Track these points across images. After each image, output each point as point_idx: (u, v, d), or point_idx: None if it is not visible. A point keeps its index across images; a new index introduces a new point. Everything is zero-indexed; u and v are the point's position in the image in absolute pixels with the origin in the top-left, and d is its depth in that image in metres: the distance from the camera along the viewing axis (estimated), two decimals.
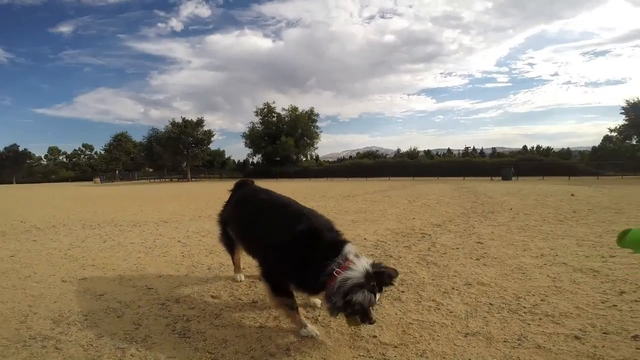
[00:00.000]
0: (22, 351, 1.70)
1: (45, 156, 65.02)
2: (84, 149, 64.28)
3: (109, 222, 6.42)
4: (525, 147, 48.83)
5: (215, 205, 10.52)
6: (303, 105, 70.68)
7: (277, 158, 42.62)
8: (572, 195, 9.98)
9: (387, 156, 53.04)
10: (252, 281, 2.83)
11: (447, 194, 11.84)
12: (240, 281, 2.79)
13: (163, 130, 41.93)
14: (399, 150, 55.40)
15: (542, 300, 2.22)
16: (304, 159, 45.87)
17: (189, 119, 41.71)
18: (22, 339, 1.83)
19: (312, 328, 1.89)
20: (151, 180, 40.46)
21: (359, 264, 1.68)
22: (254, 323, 2.04)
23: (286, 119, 43.92)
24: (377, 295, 1.67)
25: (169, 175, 42.78)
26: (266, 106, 44.58)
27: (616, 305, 2.08)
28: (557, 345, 1.66)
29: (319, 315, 2.18)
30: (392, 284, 1.84)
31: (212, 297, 2.47)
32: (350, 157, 56.78)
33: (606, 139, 33.88)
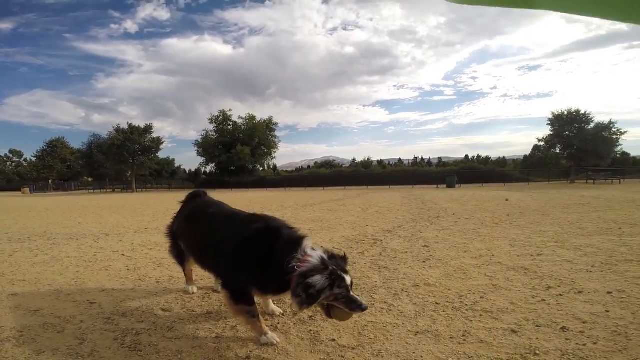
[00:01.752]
0: None
1: None
2: (11, 156, 57.19)
3: (40, 234, 5.83)
4: (467, 156, 53.00)
5: (163, 217, 9.93)
6: (262, 114, 69.93)
7: (232, 167, 41.29)
8: (507, 200, 10.99)
9: (344, 166, 54.46)
10: (206, 292, 2.73)
11: (397, 201, 12.40)
12: (193, 293, 2.68)
13: (106, 137, 38.43)
14: (354, 160, 57.11)
15: (481, 297, 2.42)
16: (261, 169, 45.13)
17: (136, 125, 38.44)
18: None
19: (272, 335, 1.88)
20: (90, 191, 36.95)
21: (315, 255, 1.72)
22: (210, 334, 1.98)
23: (243, 127, 42.74)
24: (347, 278, 1.69)
25: (111, 185, 39.44)
26: (222, 114, 43.06)
27: (545, 300, 2.33)
28: (497, 340, 1.81)
29: (278, 323, 2.17)
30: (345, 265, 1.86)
31: (163, 309, 2.36)
32: (309, 166, 57.36)
33: (535, 148, 37.70)
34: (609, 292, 2.41)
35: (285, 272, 1.68)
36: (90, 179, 45.07)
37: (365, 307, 1.67)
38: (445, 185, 26.26)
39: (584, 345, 1.69)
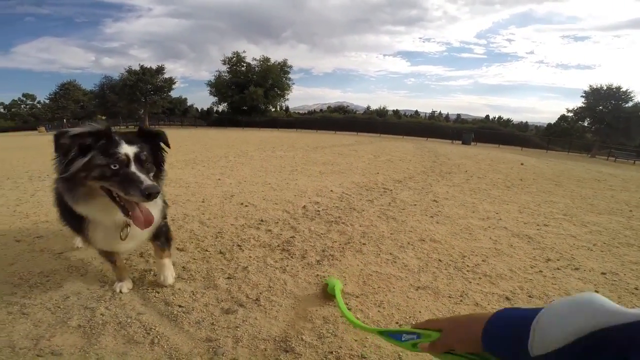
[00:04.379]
0: None
1: None
2: (24, 99, 57.64)
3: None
4: (487, 116, 51.00)
5: (175, 153, 10.05)
6: (276, 57, 67.81)
7: (244, 107, 41.65)
8: (522, 164, 10.80)
9: (357, 112, 53.00)
10: (219, 232, 2.86)
11: (410, 152, 12.28)
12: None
13: (118, 78, 39.29)
14: (368, 107, 55.44)
15: (483, 260, 2.50)
16: (273, 110, 44.93)
17: (148, 67, 39.06)
18: None
19: (122, 284, 1.85)
20: None
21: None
22: (222, 274, 2.09)
23: (256, 69, 42.47)
24: (126, 146, 1.29)
25: (124, 122, 40.02)
26: (235, 55, 42.75)
27: (542, 271, 2.40)
28: (491, 304, 1.91)
29: (287, 266, 2.29)
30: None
31: (178, 249, 2.45)
32: (321, 110, 56.03)
33: (562, 118, 36.29)
34: (603, 273, 2.46)
35: None
36: (103, 117, 45.55)
37: (147, 191, 1.20)
38: (460, 142, 25.74)
39: None
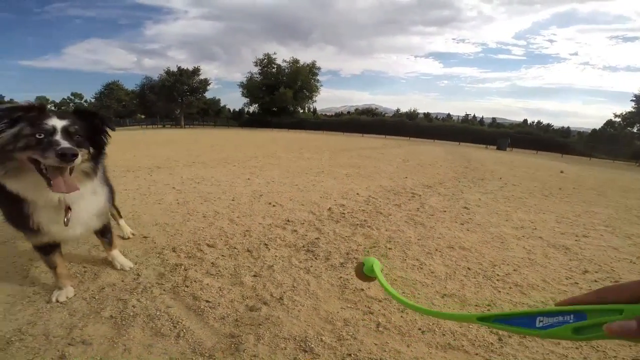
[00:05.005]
0: (28, 307, 1.69)
1: None
2: (73, 98, 62.55)
3: None
4: (525, 120, 48.65)
5: (210, 151, 10.44)
6: (305, 59, 69.27)
7: (274, 108, 42.75)
8: (562, 172, 10.19)
9: (386, 115, 52.37)
10: (247, 230, 2.93)
11: (440, 157, 11.95)
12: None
13: (157, 79, 41.84)
14: (398, 110, 54.65)
15: (514, 270, 2.39)
16: (302, 111, 45.58)
17: (185, 68, 41.32)
18: (27, 294, 1.80)
19: (61, 293, 1.78)
20: (143, 126, 39.42)
21: None
22: (249, 272, 2.14)
23: (286, 70, 43.48)
24: (53, 119, 1.30)
25: (161, 121, 42.17)
26: (266, 57, 44.02)
27: (578, 283, 2.26)
28: None
29: (311, 267, 2.32)
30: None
31: (208, 245, 2.54)
32: (349, 112, 55.91)
33: (608, 123, 33.95)
34: None
35: None
36: (142, 117, 48.25)
37: (61, 151, 1.20)
38: (495, 147, 24.70)
39: None
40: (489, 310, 1.86)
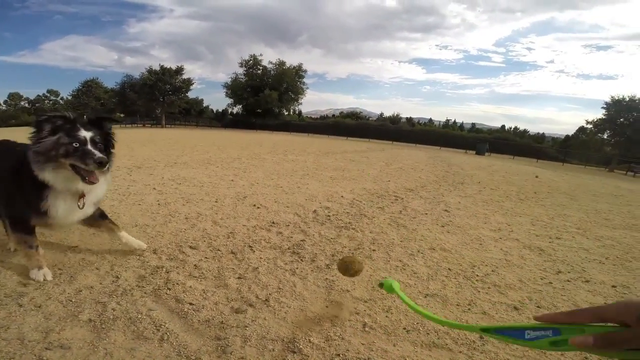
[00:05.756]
0: (0, 311, 1.61)
1: (5, 102, 60.94)
2: (48, 95, 60.39)
3: None
4: (503, 126, 50.30)
5: (191, 152, 10.25)
6: (291, 61, 69.47)
7: (258, 110, 42.36)
8: (536, 177, 10.60)
9: (370, 119, 53.01)
10: (231, 232, 2.91)
11: (422, 161, 12.21)
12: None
13: (138, 77, 40.43)
14: (382, 114, 55.39)
15: (492, 270, 2.48)
16: (287, 113, 45.43)
17: (168, 67, 40.13)
18: None
19: (45, 271, 1.89)
20: (122, 125, 38.04)
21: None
22: (233, 274, 2.12)
23: (272, 72, 43.20)
24: (83, 131, 1.66)
25: (141, 120, 40.96)
26: (252, 58, 43.55)
27: (552, 283, 2.37)
28: (499, 314, 1.90)
29: (297, 269, 2.32)
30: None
31: (191, 247, 2.50)
32: (334, 115, 56.21)
33: (581, 129, 35.47)
34: (613, 286, 2.42)
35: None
36: (122, 115, 46.92)
37: (98, 160, 1.60)
38: (474, 152, 25.43)
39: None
40: (469, 309, 1.92)
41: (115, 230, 2.22)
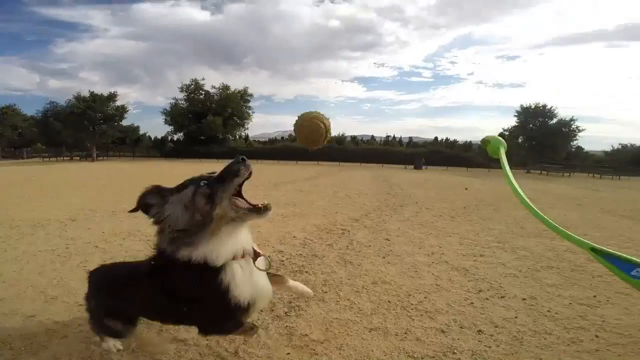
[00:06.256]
0: None
1: None
2: None
3: (1, 222, 5.35)
4: (436, 138, 54.68)
5: (130, 195, 9.72)
6: (236, 84, 69.20)
7: (201, 137, 41.14)
8: (466, 189, 11.89)
9: None
10: None
11: (366, 183, 13.01)
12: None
13: (64, 104, 36.50)
14: None
15: (425, 297, 2.93)
16: (232, 139, 44.66)
17: (99, 93, 36.76)
18: None
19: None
20: (45, 159, 33.29)
21: None
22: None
23: (215, 97, 42.57)
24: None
25: (68, 153, 36.99)
26: (193, 82, 42.55)
27: (473, 303, 2.84)
28: (429, 338, 2.30)
29: (258, 319, 2.54)
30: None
31: None
32: (282, 137, 56.60)
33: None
34: (523, 299, 2.96)
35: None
36: (43, 146, 42.01)
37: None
38: (413, 167, 27.45)
39: (489, 347, 2.20)
40: (405, 337, 2.31)
41: (284, 282, 1.97)
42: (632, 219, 7.31)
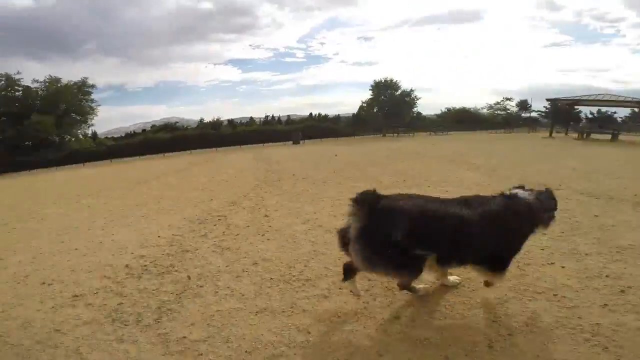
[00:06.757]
0: None
1: None
2: None
3: None
4: (311, 114, 57.19)
5: None
6: (72, 75, 55.93)
7: (26, 143, 32.19)
8: (336, 155, 12.80)
9: (189, 127, 49.66)
10: (24, 322, 2.30)
11: (246, 164, 12.61)
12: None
13: None
14: (202, 120, 52.66)
15: (305, 266, 2.94)
16: (73, 140, 36.46)
17: None
18: None
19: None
20: None
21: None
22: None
23: (40, 92, 33.73)
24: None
25: None
26: (4, 78, 32.24)
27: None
28: (314, 307, 2.28)
29: (123, 335, 2.09)
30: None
31: None
32: (144, 130, 49.46)
33: (361, 108, 45.05)
34: None
35: None
36: None
37: None
38: (292, 142, 28.21)
39: (367, 303, 2.30)
40: (292, 312, 2.24)
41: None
42: (454, 162, 9.22)
